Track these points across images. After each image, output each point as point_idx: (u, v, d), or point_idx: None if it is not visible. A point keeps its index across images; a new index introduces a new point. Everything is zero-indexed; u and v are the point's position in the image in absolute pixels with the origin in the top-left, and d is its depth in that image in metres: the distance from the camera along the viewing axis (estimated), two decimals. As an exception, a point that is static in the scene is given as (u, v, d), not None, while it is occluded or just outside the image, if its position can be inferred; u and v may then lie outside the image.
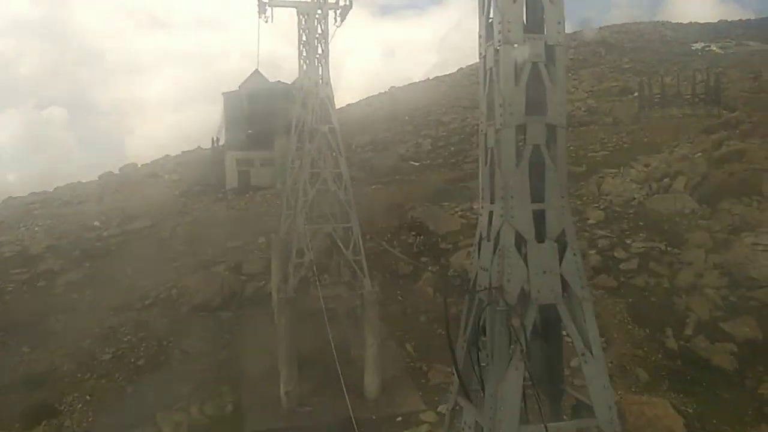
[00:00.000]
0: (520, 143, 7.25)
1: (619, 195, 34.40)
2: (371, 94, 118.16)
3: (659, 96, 54.32)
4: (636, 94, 71.22)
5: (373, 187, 44.24)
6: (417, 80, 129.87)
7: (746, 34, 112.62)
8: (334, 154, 24.28)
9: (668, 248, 28.55)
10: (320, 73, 24.75)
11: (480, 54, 7.72)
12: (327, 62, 24.77)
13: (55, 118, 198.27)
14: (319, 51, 24.90)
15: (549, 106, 7.26)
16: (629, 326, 24.87)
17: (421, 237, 32.38)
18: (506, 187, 7.15)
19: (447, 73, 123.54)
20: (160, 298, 31.33)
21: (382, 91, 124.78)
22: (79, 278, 34.95)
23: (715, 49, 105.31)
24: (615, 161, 41.05)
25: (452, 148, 60.47)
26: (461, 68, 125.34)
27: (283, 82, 53.11)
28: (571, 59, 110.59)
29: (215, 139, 65.29)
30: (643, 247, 28.99)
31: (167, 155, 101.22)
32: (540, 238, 7.16)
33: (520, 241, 7.13)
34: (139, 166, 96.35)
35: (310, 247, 23.34)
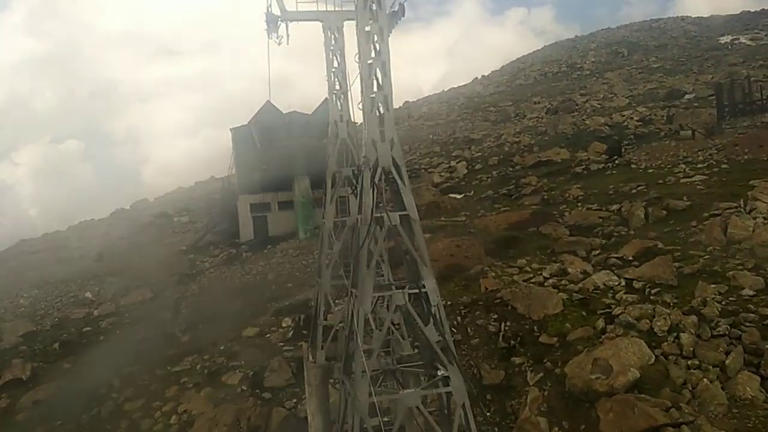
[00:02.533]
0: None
1: (764, 244, 24.02)
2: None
3: (741, 102, 43.62)
4: (689, 95, 60.94)
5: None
6: (427, 93, 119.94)
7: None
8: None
9: None
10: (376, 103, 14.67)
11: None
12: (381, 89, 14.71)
13: (72, 150, 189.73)
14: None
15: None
16: None
17: (508, 323, 22.35)
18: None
19: (460, 84, 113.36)
20: (154, 432, 21.45)
21: (395, 107, 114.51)
22: (51, 394, 24.99)
23: (745, 41, 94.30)
24: (725, 190, 30.62)
25: (494, 173, 50.08)
26: (476, 77, 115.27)
27: (300, 112, 43.23)
28: (593, 62, 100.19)
29: (225, 182, 55.46)
30: None
31: (180, 187, 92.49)
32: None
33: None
34: (151, 200, 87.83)
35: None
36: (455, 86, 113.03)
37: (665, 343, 19.22)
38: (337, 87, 18.30)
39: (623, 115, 56.07)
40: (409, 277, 12.55)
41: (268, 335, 26.28)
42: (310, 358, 18.01)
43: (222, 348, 25.86)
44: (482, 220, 34.04)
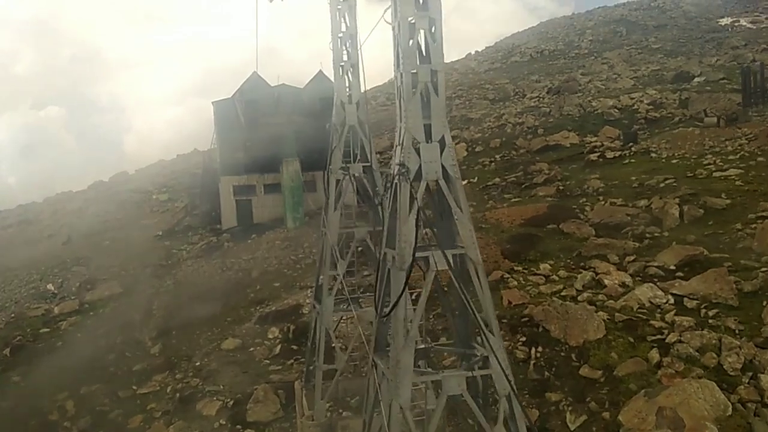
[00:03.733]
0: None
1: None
2: (373, 85, 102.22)
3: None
4: (699, 78, 56.75)
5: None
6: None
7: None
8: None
9: None
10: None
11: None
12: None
13: (53, 118, 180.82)
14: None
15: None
16: None
17: (540, 349, 18.32)
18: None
19: (452, 59, 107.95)
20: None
21: (386, 81, 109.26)
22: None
23: (745, 24, 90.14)
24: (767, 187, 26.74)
25: (498, 157, 45.77)
26: (469, 53, 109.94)
27: (290, 86, 38.36)
28: (591, 40, 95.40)
29: (206, 159, 50.38)
30: None
31: (161, 160, 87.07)
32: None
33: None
34: (131, 173, 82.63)
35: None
36: (447, 61, 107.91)
37: (741, 387, 15.29)
38: (345, 58, 13.75)
39: (632, 98, 51.80)
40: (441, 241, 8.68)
41: (252, 349, 21.94)
42: (305, 409, 13.71)
43: (197, 364, 21.51)
44: (493, 214, 29.79)
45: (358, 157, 13.51)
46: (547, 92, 63.09)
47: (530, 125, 50.21)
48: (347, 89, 13.77)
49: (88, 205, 62.78)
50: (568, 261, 23.75)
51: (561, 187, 32.67)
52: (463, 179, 37.29)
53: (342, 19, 13.64)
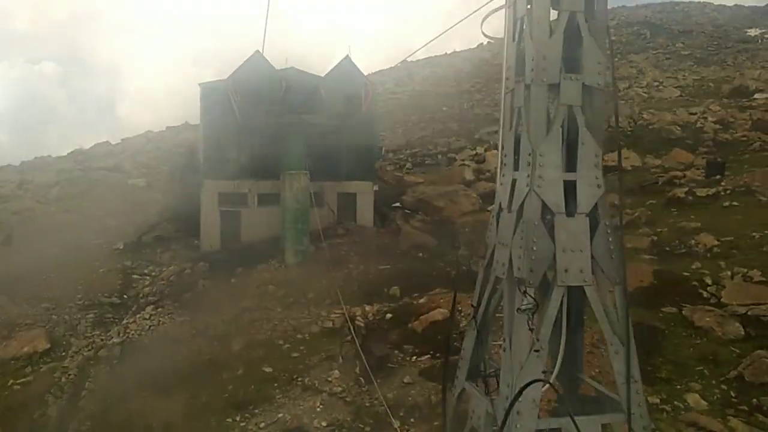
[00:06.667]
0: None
1: None
2: (380, 68, 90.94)
3: None
4: (762, 94, 47.31)
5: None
6: (422, 54, 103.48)
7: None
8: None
9: None
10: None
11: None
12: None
13: (47, 73, 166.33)
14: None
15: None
16: None
17: None
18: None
19: (468, 47, 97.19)
20: None
21: (392, 65, 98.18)
22: None
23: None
24: None
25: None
26: (481, 43, 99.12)
27: (304, 71, 28.10)
28: (613, 40, 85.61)
29: (189, 154, 40.10)
30: None
31: (149, 131, 76.04)
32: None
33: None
34: (113, 144, 71.90)
35: None
36: (458, 50, 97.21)
37: None
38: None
39: (691, 113, 42.35)
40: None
41: None
42: None
43: None
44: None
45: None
46: (582, 96, 53.35)
47: (575, 136, 40.59)
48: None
49: (57, 181, 52.10)
50: (724, 388, 14.43)
51: (654, 238, 23.16)
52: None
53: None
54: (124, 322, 20.50)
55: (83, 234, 31.87)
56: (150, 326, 19.61)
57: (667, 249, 22.21)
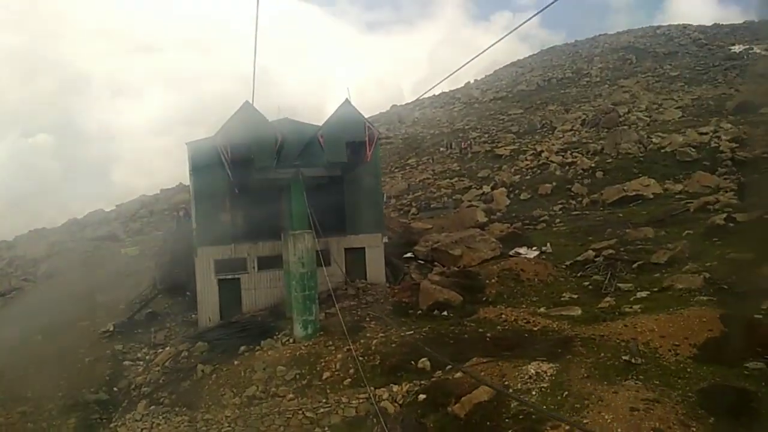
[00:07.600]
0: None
1: None
2: (369, 114, 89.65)
3: None
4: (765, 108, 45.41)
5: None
6: (409, 98, 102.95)
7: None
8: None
9: None
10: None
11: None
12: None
13: (42, 146, 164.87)
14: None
15: None
16: None
17: None
18: None
19: (451, 88, 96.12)
20: None
21: (382, 111, 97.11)
22: None
23: (759, 51, 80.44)
24: None
25: (558, 210, 33.50)
26: (468, 82, 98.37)
27: (299, 122, 25.73)
28: (600, 68, 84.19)
29: (180, 214, 37.42)
30: None
31: (143, 195, 73.43)
32: None
33: None
34: (107, 210, 69.18)
35: None
36: (446, 90, 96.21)
37: None
38: None
39: (701, 133, 40.12)
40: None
41: None
42: None
43: None
44: (627, 329, 17.08)
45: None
46: (582, 124, 51.32)
47: (585, 167, 38.12)
48: None
49: (48, 254, 49.21)
50: None
51: (706, 275, 20.24)
52: (528, 246, 23.82)
53: None
54: (113, 425, 17.18)
55: (70, 315, 28.69)
56: (142, 430, 16.30)
57: (725, 287, 19.26)
